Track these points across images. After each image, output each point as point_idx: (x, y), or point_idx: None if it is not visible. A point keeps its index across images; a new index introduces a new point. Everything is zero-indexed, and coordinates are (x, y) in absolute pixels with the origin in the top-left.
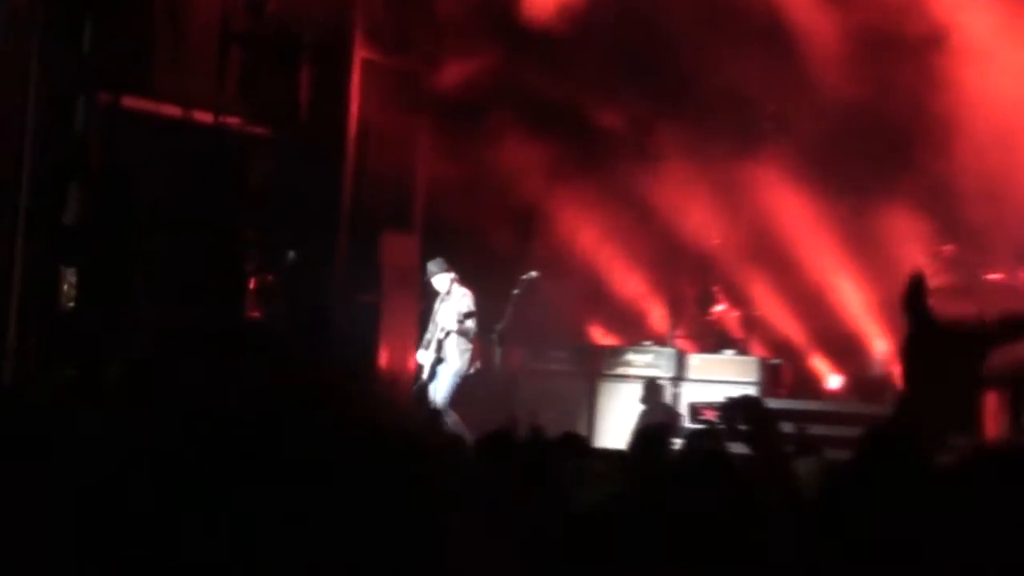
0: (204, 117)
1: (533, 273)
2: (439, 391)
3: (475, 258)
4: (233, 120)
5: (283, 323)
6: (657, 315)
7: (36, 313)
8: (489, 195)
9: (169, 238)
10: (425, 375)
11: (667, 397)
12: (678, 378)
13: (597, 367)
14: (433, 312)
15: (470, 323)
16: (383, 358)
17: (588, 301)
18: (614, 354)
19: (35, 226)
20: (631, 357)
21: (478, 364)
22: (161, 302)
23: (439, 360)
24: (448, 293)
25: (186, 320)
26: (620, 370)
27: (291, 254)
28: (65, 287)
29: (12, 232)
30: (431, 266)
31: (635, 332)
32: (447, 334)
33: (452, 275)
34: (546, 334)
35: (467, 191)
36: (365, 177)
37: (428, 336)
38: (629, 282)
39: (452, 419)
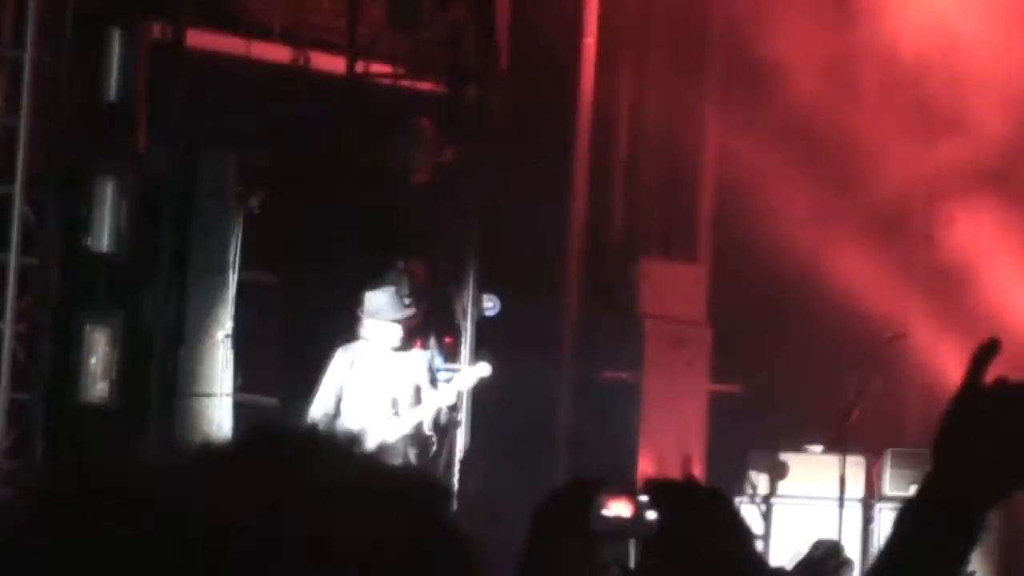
0: (328, 62)
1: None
2: None
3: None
4: (380, 69)
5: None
6: None
7: (40, 415)
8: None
9: (277, 278)
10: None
11: None
12: None
13: None
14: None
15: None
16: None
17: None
18: None
19: (45, 255)
20: None
21: None
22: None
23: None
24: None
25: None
26: None
27: (487, 302)
28: (92, 361)
29: None
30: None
31: None
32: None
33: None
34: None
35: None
36: (607, 169)
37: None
38: None
39: None
